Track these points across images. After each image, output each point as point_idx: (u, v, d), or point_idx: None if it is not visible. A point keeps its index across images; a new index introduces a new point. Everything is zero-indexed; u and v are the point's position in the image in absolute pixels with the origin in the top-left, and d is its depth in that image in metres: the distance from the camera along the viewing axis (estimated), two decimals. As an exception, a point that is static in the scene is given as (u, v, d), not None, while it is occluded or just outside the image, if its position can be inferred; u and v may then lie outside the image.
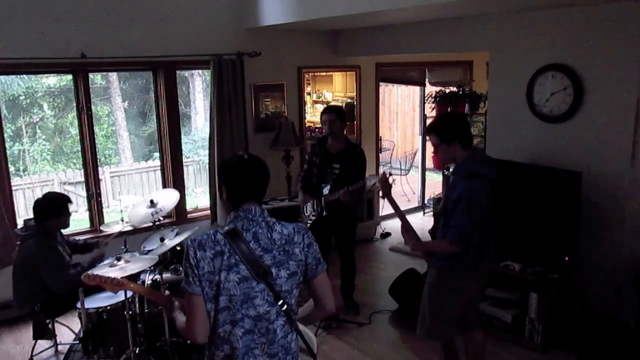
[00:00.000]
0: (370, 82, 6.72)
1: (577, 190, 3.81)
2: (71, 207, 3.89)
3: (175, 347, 3.65)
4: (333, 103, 6.50)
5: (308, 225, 4.44)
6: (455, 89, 6.65)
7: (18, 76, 7.50)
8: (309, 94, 6.43)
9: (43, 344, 3.99)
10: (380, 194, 3.38)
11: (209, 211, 5.60)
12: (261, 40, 5.54)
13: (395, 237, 6.55)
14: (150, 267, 3.58)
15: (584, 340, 3.71)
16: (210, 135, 5.42)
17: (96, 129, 5.43)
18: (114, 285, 2.20)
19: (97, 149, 5.11)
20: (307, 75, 6.24)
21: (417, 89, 8.52)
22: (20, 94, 8.19)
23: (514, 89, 4.45)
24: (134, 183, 8.76)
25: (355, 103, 6.64)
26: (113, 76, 8.80)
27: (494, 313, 4.19)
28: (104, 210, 5.21)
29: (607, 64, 3.86)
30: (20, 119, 8.27)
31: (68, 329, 4.15)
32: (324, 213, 4.29)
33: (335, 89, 6.82)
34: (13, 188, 4.67)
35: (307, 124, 6.33)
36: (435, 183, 8.54)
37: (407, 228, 3.17)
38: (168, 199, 4.28)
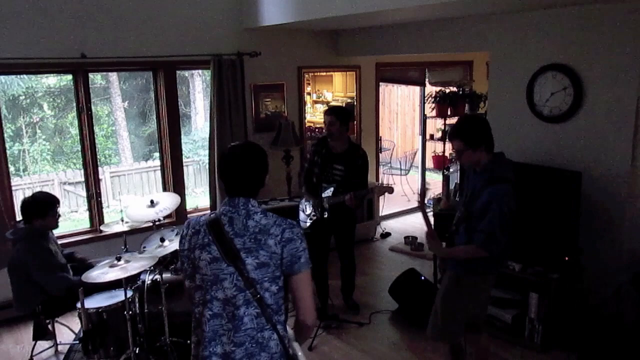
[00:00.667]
0: (370, 82, 6.72)
1: (577, 190, 3.81)
2: (70, 208, 3.88)
3: (175, 347, 3.65)
4: (333, 103, 6.50)
5: (307, 224, 4.45)
6: (455, 89, 6.65)
7: (18, 76, 7.50)
8: (309, 94, 6.42)
9: (43, 344, 3.99)
10: (418, 203, 3.35)
11: (209, 211, 5.60)
12: (261, 40, 5.54)
13: (395, 237, 6.56)
14: (150, 267, 3.58)
15: (584, 340, 3.71)
16: (210, 135, 5.42)
17: (96, 129, 5.43)
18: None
19: (97, 149, 5.10)
20: (307, 75, 6.24)
21: (417, 89, 8.53)
22: (20, 94, 8.19)
23: (514, 89, 4.45)
24: (134, 183, 8.76)
25: (355, 103, 6.64)
26: (113, 76, 8.80)
27: (494, 313, 4.19)
28: (104, 210, 5.20)
29: (607, 64, 3.86)
30: (20, 119, 8.28)
31: (68, 329, 4.15)
32: (326, 215, 4.28)
33: (335, 89, 6.82)
34: (13, 188, 4.67)
35: (307, 124, 6.33)
36: (435, 183, 8.54)
37: (432, 235, 3.11)
38: (168, 201, 4.29)
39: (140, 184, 8.76)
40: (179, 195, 4.86)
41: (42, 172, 8.42)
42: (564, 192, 3.87)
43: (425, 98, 7.14)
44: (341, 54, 6.29)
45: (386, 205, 7.19)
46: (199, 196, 8.12)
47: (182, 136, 5.68)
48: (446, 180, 5.68)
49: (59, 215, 3.84)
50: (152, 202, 4.26)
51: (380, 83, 6.96)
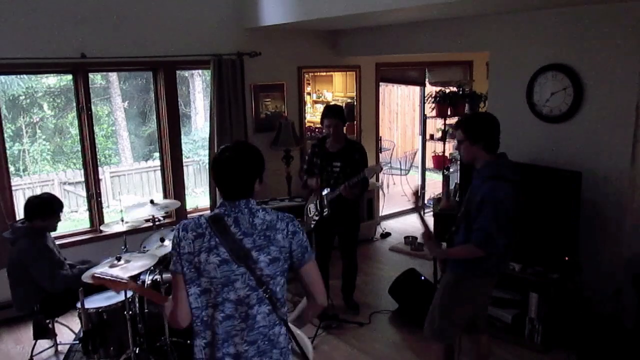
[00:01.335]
0: (370, 82, 6.72)
1: (577, 190, 3.81)
2: (70, 208, 3.89)
3: (175, 347, 3.65)
4: (333, 103, 6.50)
5: (312, 225, 4.45)
6: (455, 89, 6.65)
7: (18, 76, 7.50)
8: (309, 94, 6.43)
9: (43, 344, 3.99)
10: (413, 204, 3.34)
11: (209, 211, 5.58)
12: (261, 40, 5.54)
13: (395, 237, 6.56)
14: (150, 267, 3.58)
15: (584, 341, 3.71)
16: (210, 135, 5.42)
17: (96, 129, 5.43)
18: (118, 285, 2.22)
19: (97, 149, 5.10)
20: (307, 75, 6.24)
21: (417, 89, 8.53)
22: (20, 94, 8.19)
23: (514, 89, 4.45)
24: (134, 183, 8.77)
25: (355, 103, 6.64)
26: (113, 76, 8.80)
27: (494, 313, 4.19)
28: (104, 210, 5.20)
29: (607, 64, 3.85)
30: (20, 119, 8.28)
31: (68, 329, 4.15)
32: (326, 212, 4.29)
33: (335, 89, 6.82)
34: (13, 188, 4.67)
35: (307, 124, 6.33)
36: (435, 183, 8.54)
37: (429, 236, 3.10)
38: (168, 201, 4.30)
39: (140, 184, 8.76)
40: (179, 200, 4.89)
41: (42, 172, 8.42)
42: (564, 192, 3.87)
43: (425, 98, 7.14)
44: (341, 54, 6.29)
45: (386, 205, 7.19)
46: (199, 196, 8.12)
47: (182, 136, 5.68)
48: (446, 180, 5.67)
49: (59, 220, 3.85)
50: (152, 202, 4.27)
51: (380, 83, 6.96)
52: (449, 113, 6.69)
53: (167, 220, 5.26)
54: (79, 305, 3.37)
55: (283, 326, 2.00)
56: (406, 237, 6.28)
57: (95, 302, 3.59)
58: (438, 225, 4.88)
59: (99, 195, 5.08)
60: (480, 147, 2.87)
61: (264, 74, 5.71)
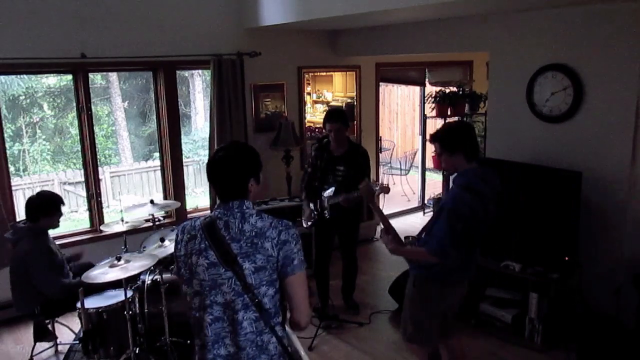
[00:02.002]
0: (370, 82, 6.71)
1: (577, 190, 3.81)
2: (70, 208, 3.89)
3: (175, 347, 3.65)
4: (333, 103, 6.49)
5: (310, 223, 4.44)
6: (455, 89, 6.65)
7: (18, 76, 7.50)
8: (309, 94, 6.42)
9: (43, 344, 3.99)
10: (368, 201, 3.34)
11: (209, 211, 5.59)
12: (261, 40, 5.54)
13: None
14: (150, 267, 3.58)
15: (584, 341, 3.71)
16: (210, 135, 5.42)
17: (96, 129, 5.43)
18: None
19: (97, 149, 5.10)
20: (307, 75, 6.23)
21: (417, 89, 8.52)
22: (20, 94, 8.19)
23: (514, 89, 4.45)
24: (134, 183, 8.76)
25: (355, 103, 6.63)
26: (113, 76, 8.80)
27: (494, 313, 4.19)
28: (104, 210, 5.20)
29: (607, 64, 3.85)
30: (20, 119, 8.27)
31: (68, 329, 4.15)
32: (326, 214, 4.28)
33: (335, 89, 6.81)
34: (13, 188, 4.67)
35: (307, 124, 6.33)
36: (435, 183, 8.54)
37: (388, 230, 3.10)
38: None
39: (140, 184, 8.76)
40: (179, 200, 4.88)
41: (42, 172, 8.42)
42: (564, 192, 3.87)
43: (425, 98, 7.14)
44: (341, 54, 6.29)
45: (386, 205, 7.18)
46: (199, 196, 8.11)
47: (182, 136, 5.68)
48: (446, 180, 5.68)
49: (62, 214, 3.86)
50: (152, 202, 4.27)
51: (380, 83, 6.96)
52: (449, 113, 6.68)
53: (167, 220, 5.26)
54: (79, 305, 3.37)
55: (273, 335, 1.95)
56: (406, 237, 6.17)
57: (95, 302, 3.59)
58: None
59: (99, 195, 5.08)
60: (460, 156, 2.85)
61: (264, 74, 5.71)
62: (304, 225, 4.49)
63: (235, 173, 1.96)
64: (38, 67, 4.67)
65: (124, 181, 8.79)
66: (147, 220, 4.42)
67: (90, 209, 5.12)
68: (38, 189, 7.33)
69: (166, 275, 3.80)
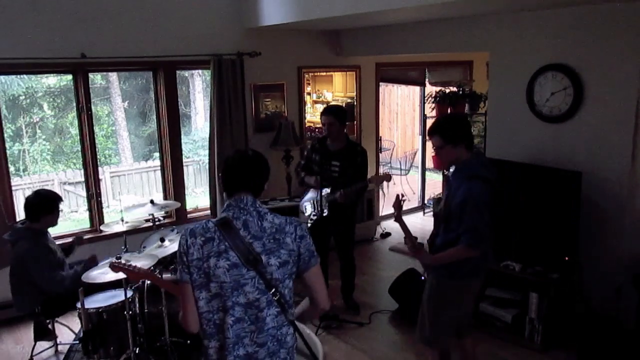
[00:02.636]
0: (370, 82, 6.72)
1: (577, 190, 3.81)
2: (70, 208, 3.89)
3: (175, 347, 3.65)
4: (333, 103, 6.49)
5: (308, 225, 4.44)
6: (455, 89, 6.65)
7: (18, 76, 7.50)
8: (309, 94, 6.42)
9: (43, 343, 3.99)
10: (394, 219, 3.28)
11: (209, 211, 5.60)
12: (261, 40, 5.54)
13: (395, 237, 6.55)
14: (150, 267, 3.58)
15: (584, 341, 3.71)
16: (210, 135, 5.42)
17: (96, 129, 5.43)
18: (137, 273, 2.34)
19: (97, 149, 5.10)
20: (307, 75, 6.24)
21: (417, 89, 8.52)
22: (20, 94, 8.18)
23: (514, 89, 4.45)
24: (134, 183, 8.76)
25: (355, 103, 6.64)
26: (113, 76, 8.80)
27: (494, 313, 4.19)
28: (104, 210, 5.20)
29: (607, 64, 3.86)
30: (20, 119, 8.27)
31: (68, 329, 4.15)
32: (325, 213, 4.29)
33: (335, 89, 6.82)
34: (13, 188, 4.67)
35: (307, 124, 6.33)
36: (435, 183, 8.54)
37: (415, 247, 3.04)
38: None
39: (140, 184, 8.76)
40: (179, 200, 4.88)
41: (42, 172, 8.42)
42: (564, 192, 3.87)
43: (425, 98, 7.14)
44: (341, 54, 6.29)
45: (386, 205, 7.18)
46: (199, 196, 8.11)
47: (182, 136, 5.68)
48: (446, 180, 5.67)
49: (61, 210, 3.86)
50: (152, 202, 4.27)
51: (380, 83, 6.96)
52: (449, 113, 6.68)
53: (167, 221, 5.26)
54: (79, 305, 3.38)
55: (290, 326, 2.01)
56: (418, 244, 6.25)
57: (95, 302, 3.59)
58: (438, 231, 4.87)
59: (99, 195, 5.08)
60: (462, 147, 2.86)
61: (264, 74, 5.71)
62: (307, 225, 4.48)
63: (264, 171, 2.06)
64: (38, 67, 4.66)
65: (124, 181, 8.79)
66: (147, 220, 4.43)
67: (90, 209, 5.12)
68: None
69: (166, 275, 3.80)
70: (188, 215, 5.60)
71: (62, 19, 4.50)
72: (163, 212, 4.68)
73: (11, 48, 4.28)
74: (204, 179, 8.01)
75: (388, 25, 5.54)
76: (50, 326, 3.91)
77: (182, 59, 5.14)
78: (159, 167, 5.59)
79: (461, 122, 2.97)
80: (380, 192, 6.96)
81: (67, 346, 4.04)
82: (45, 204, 3.71)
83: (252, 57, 5.48)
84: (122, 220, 4.18)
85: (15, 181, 5.89)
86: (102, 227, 4.49)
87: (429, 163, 7.97)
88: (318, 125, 6.27)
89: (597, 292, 4.00)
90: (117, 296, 3.64)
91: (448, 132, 2.87)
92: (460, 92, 6.56)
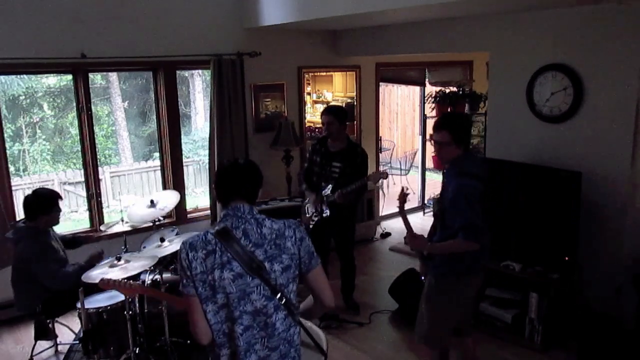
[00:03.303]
0: (370, 82, 6.72)
1: (577, 190, 3.81)
2: (70, 208, 3.88)
3: (175, 347, 3.65)
4: (333, 103, 6.50)
5: (311, 226, 4.44)
6: (455, 89, 6.65)
7: (18, 76, 7.50)
8: (309, 94, 6.43)
9: (43, 343, 3.99)
10: (398, 209, 3.27)
11: (209, 211, 5.59)
12: (261, 40, 5.54)
13: (395, 237, 6.56)
14: (150, 267, 3.58)
15: (584, 341, 3.71)
16: (210, 135, 5.42)
17: (96, 129, 5.43)
18: (128, 289, 2.29)
19: (97, 149, 5.10)
20: (307, 75, 6.24)
21: (417, 89, 8.52)
22: (20, 94, 8.18)
23: (514, 89, 4.45)
24: (134, 183, 8.76)
25: (355, 103, 6.64)
26: (113, 76, 8.79)
27: (494, 313, 4.19)
28: (104, 210, 5.20)
29: (607, 64, 3.86)
30: (20, 119, 8.27)
31: (68, 329, 4.15)
32: (326, 213, 4.29)
33: (335, 89, 6.82)
34: (13, 188, 4.67)
35: (307, 124, 6.33)
36: (435, 183, 8.54)
37: (414, 235, 3.05)
38: (168, 199, 4.30)
39: (140, 184, 8.75)
40: (178, 193, 4.87)
41: (42, 172, 8.42)
42: (564, 192, 3.87)
43: (425, 98, 7.14)
44: (341, 54, 6.29)
45: (386, 205, 7.19)
46: (199, 196, 8.10)
47: (182, 136, 5.68)
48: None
49: (61, 210, 3.85)
50: (152, 202, 4.27)
51: (380, 83, 6.96)
52: (455, 112, 6.68)
53: (167, 220, 5.26)
54: (79, 305, 3.37)
55: (297, 326, 2.03)
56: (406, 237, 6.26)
57: (95, 302, 3.59)
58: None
59: (99, 195, 5.08)
60: (461, 147, 2.86)
61: (264, 74, 5.71)
62: (308, 226, 4.48)
63: (256, 178, 2.06)
64: (38, 67, 4.67)
65: (124, 181, 8.78)
66: (147, 220, 4.42)
67: (90, 209, 5.12)
68: (38, 189, 7.33)
69: (166, 275, 3.81)
70: (188, 215, 5.61)
71: (63, 19, 4.50)
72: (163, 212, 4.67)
73: (11, 48, 4.28)
74: (204, 179, 8.01)
75: (388, 25, 5.54)
76: (50, 326, 3.91)
77: (182, 59, 5.14)
78: (159, 167, 5.59)
79: (469, 122, 2.99)
80: (380, 192, 6.96)
81: (67, 346, 4.04)
82: (42, 204, 3.69)
83: (252, 57, 5.48)
84: (122, 220, 4.18)
85: (15, 181, 5.88)
86: (102, 227, 4.48)
87: (429, 163, 7.97)
88: (318, 125, 6.27)
89: (597, 292, 4.00)
90: (117, 296, 3.63)
91: (458, 131, 2.85)
92: (460, 92, 6.56)
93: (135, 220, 4.18)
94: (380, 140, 7.31)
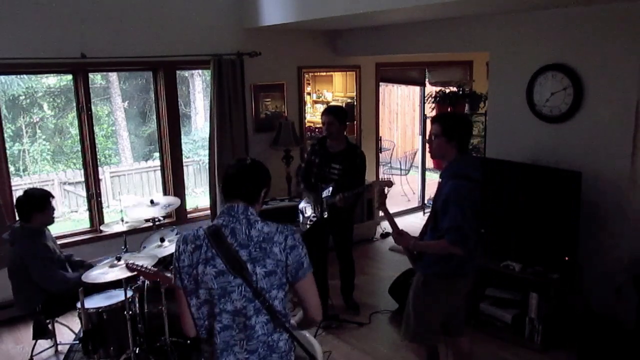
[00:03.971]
0: (370, 82, 6.72)
1: (577, 190, 3.81)
2: (70, 208, 3.88)
3: (175, 347, 3.65)
4: (333, 103, 6.50)
5: (308, 226, 4.44)
6: (455, 89, 6.65)
7: (18, 76, 7.50)
8: (309, 94, 6.43)
9: (43, 344, 3.99)
10: (376, 204, 3.30)
11: (209, 211, 5.60)
12: (261, 40, 5.54)
13: (395, 237, 6.55)
14: (150, 268, 3.57)
15: (584, 341, 3.71)
16: (210, 135, 5.42)
17: (96, 129, 5.43)
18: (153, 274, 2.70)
19: (97, 149, 5.10)
20: (307, 75, 6.24)
21: (417, 89, 8.52)
22: (20, 94, 8.18)
23: (514, 89, 4.45)
24: (134, 183, 8.76)
25: (355, 103, 6.64)
26: (113, 76, 8.79)
27: (494, 313, 4.19)
28: (104, 210, 5.20)
29: (607, 64, 3.85)
30: (20, 119, 8.27)
31: (68, 329, 4.15)
32: (326, 214, 4.29)
33: (335, 89, 6.82)
34: (13, 188, 4.68)
35: (307, 124, 6.33)
36: (435, 183, 8.51)
37: (399, 232, 3.07)
38: (169, 200, 4.31)
39: (140, 184, 8.76)
40: (179, 197, 4.88)
41: (42, 172, 8.42)
42: (564, 192, 3.87)
43: (425, 98, 7.15)
44: (341, 54, 6.29)
45: (386, 205, 7.18)
46: (199, 196, 8.11)
47: (182, 136, 5.68)
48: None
49: (54, 209, 3.85)
50: (152, 202, 4.27)
51: (380, 83, 6.96)
52: (456, 112, 6.68)
53: (167, 220, 5.26)
54: (79, 305, 3.37)
55: (283, 333, 1.99)
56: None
57: (95, 302, 3.59)
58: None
59: (99, 195, 5.08)
60: (453, 145, 2.89)
61: (264, 74, 5.71)
62: (306, 226, 4.47)
63: (259, 178, 2.06)
64: (38, 67, 4.67)
65: (124, 181, 8.79)
66: (147, 220, 4.42)
67: (90, 209, 5.12)
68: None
69: (166, 275, 3.80)
70: (188, 215, 5.61)
71: (62, 19, 4.50)
72: (163, 212, 4.67)
73: (11, 48, 4.28)
74: (204, 179, 8.01)
75: (388, 25, 5.54)
76: (50, 326, 3.91)
77: (182, 59, 5.14)
78: (159, 167, 5.59)
79: (464, 122, 3.02)
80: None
81: (67, 346, 4.04)
82: (34, 202, 3.70)
83: (252, 57, 5.48)
84: (122, 220, 4.18)
85: (15, 181, 5.88)
86: (102, 227, 4.49)
87: (429, 163, 7.97)
88: (318, 125, 6.27)
89: (597, 292, 4.00)
90: (117, 296, 3.64)
91: (448, 124, 2.92)
92: (460, 92, 6.56)
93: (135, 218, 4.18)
94: (380, 140, 7.31)
